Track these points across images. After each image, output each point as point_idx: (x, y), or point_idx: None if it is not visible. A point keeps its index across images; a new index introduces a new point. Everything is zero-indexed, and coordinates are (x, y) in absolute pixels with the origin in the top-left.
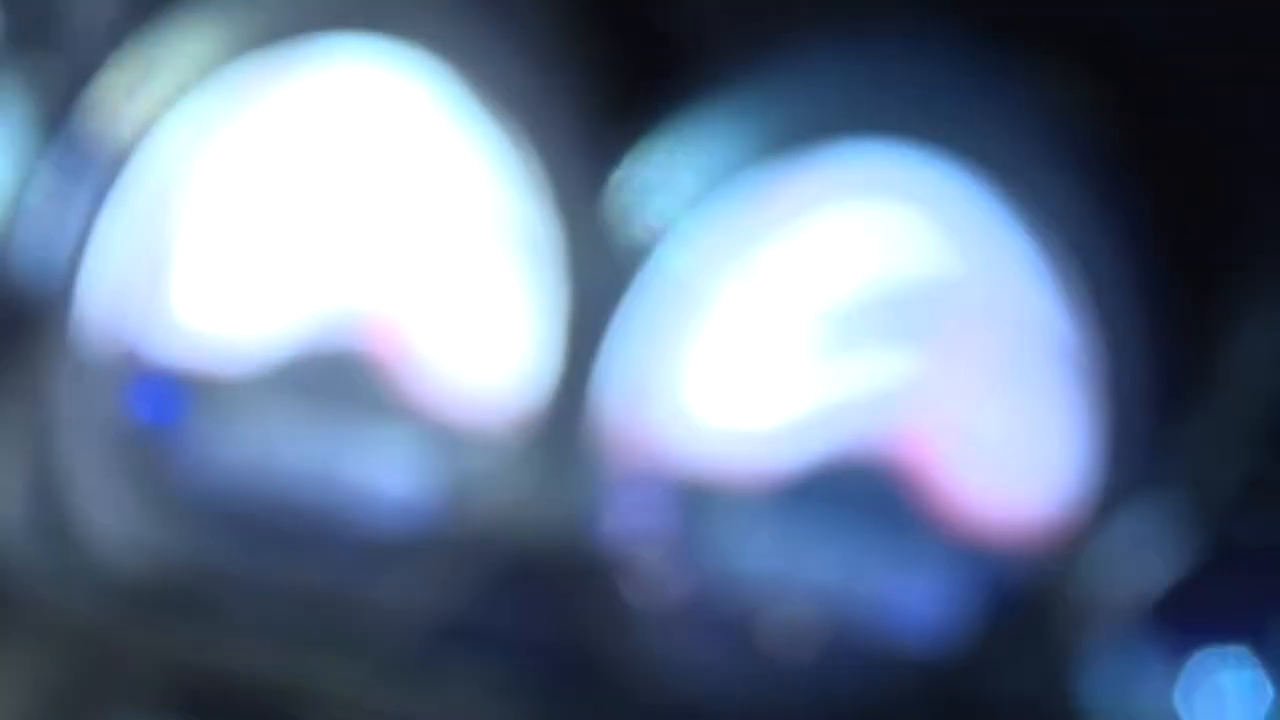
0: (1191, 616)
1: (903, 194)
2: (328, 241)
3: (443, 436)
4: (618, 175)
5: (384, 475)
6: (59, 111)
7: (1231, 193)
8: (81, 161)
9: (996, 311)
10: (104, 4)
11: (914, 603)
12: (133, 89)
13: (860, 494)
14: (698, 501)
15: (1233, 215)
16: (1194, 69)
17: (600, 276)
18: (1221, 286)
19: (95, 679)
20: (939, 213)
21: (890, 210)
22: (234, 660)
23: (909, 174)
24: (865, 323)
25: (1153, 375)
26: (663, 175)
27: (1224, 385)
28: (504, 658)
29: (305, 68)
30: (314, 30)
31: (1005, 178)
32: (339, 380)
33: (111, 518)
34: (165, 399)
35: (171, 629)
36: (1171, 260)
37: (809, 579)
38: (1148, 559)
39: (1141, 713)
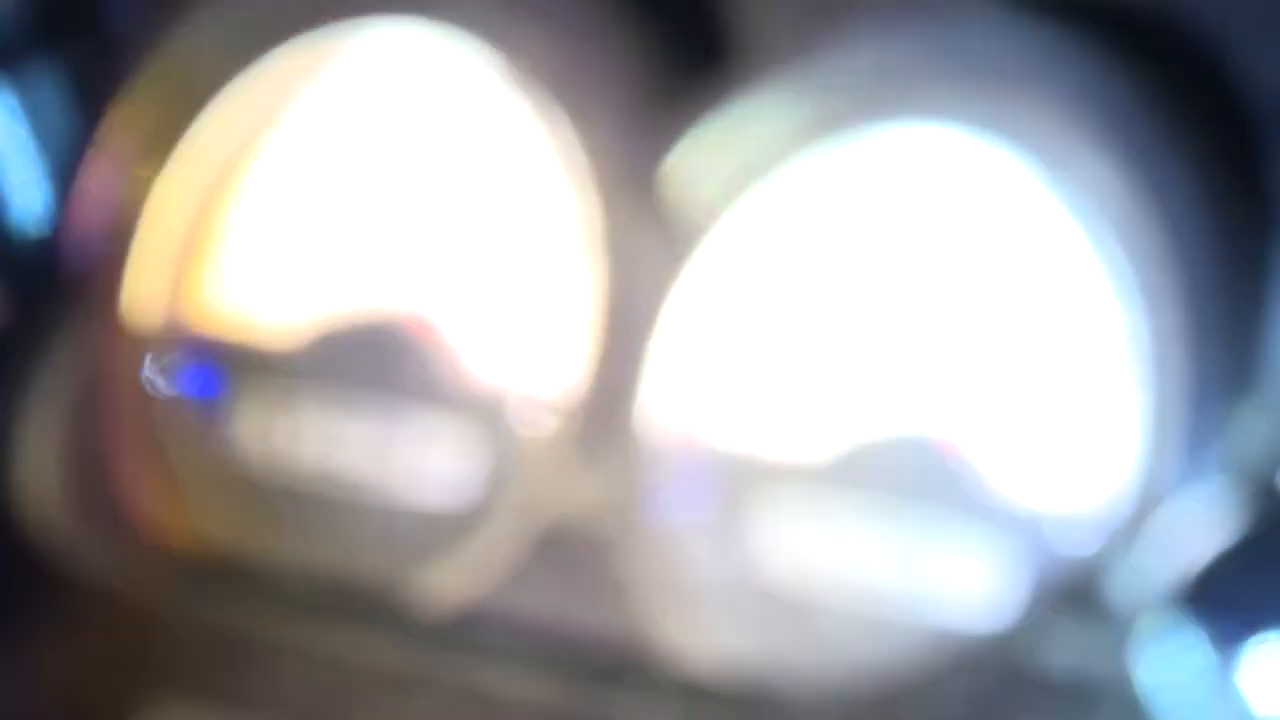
0: (1242, 598)
1: (950, 178)
2: (377, 225)
3: (487, 419)
4: (668, 162)
5: (428, 456)
6: (102, 92)
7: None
8: (132, 142)
9: (1044, 295)
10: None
11: (964, 584)
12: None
13: (909, 477)
14: (744, 485)
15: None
16: (1245, 50)
17: (650, 262)
18: (1269, 271)
19: (139, 656)
20: (987, 196)
21: (938, 193)
22: (277, 637)
23: (956, 157)
24: (911, 306)
25: (1199, 358)
26: (712, 161)
27: (1271, 366)
28: (544, 640)
29: (351, 51)
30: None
31: (1051, 161)
32: (384, 360)
33: (156, 494)
34: (211, 375)
35: (215, 606)
36: (1218, 245)
37: (856, 561)
38: (1199, 539)
39: (1194, 692)
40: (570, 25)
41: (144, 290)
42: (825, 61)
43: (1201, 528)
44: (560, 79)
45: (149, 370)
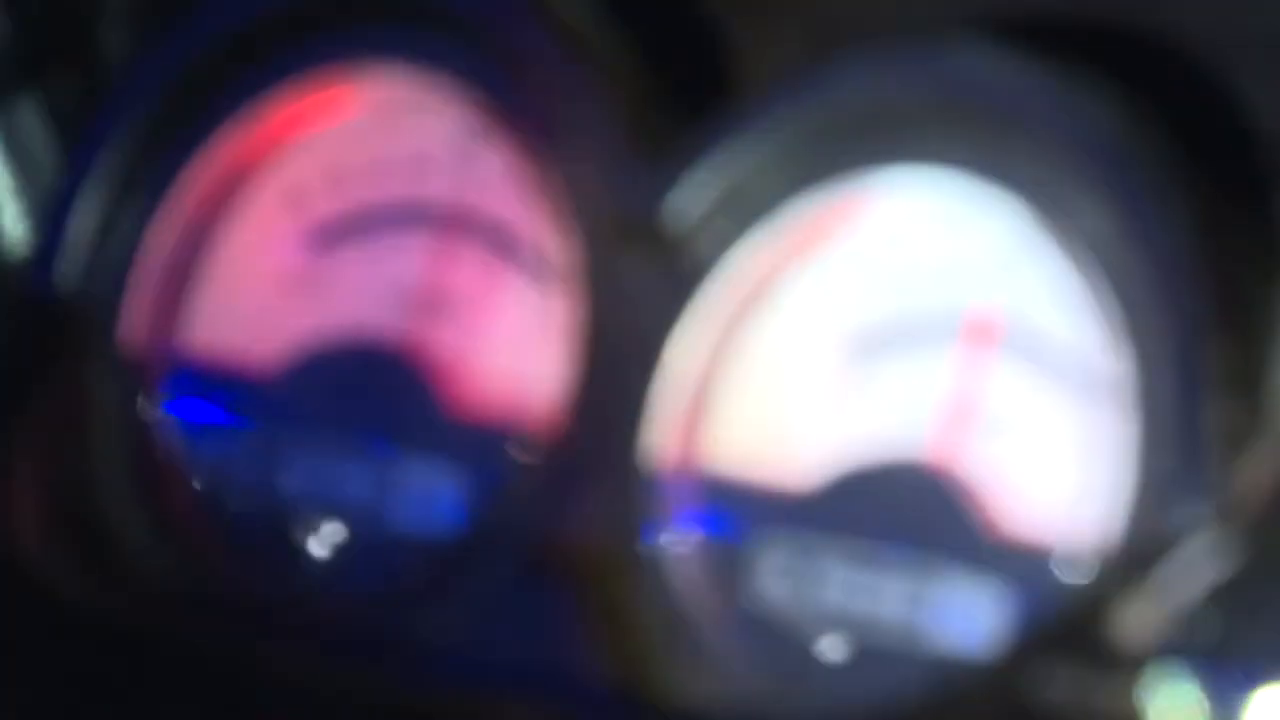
0: (1242, 641)
1: (943, 220)
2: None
3: (486, 445)
4: (669, 202)
5: (425, 480)
6: (89, 118)
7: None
8: (122, 168)
9: (1035, 331)
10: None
11: (961, 616)
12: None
13: (907, 508)
14: (742, 515)
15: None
16: (1238, 91)
17: (648, 295)
18: (1263, 306)
19: (127, 679)
20: (980, 237)
21: (932, 235)
22: (266, 662)
23: (949, 200)
24: (906, 341)
25: (1197, 396)
26: (712, 202)
27: (1265, 401)
28: (541, 665)
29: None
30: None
31: (1044, 204)
32: (380, 385)
33: (145, 519)
34: (202, 400)
35: (203, 630)
36: (1217, 284)
37: (853, 587)
38: (1197, 579)
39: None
40: (572, 66)
41: (136, 316)
42: (822, 102)
43: (1200, 568)
44: (564, 121)
45: (139, 395)
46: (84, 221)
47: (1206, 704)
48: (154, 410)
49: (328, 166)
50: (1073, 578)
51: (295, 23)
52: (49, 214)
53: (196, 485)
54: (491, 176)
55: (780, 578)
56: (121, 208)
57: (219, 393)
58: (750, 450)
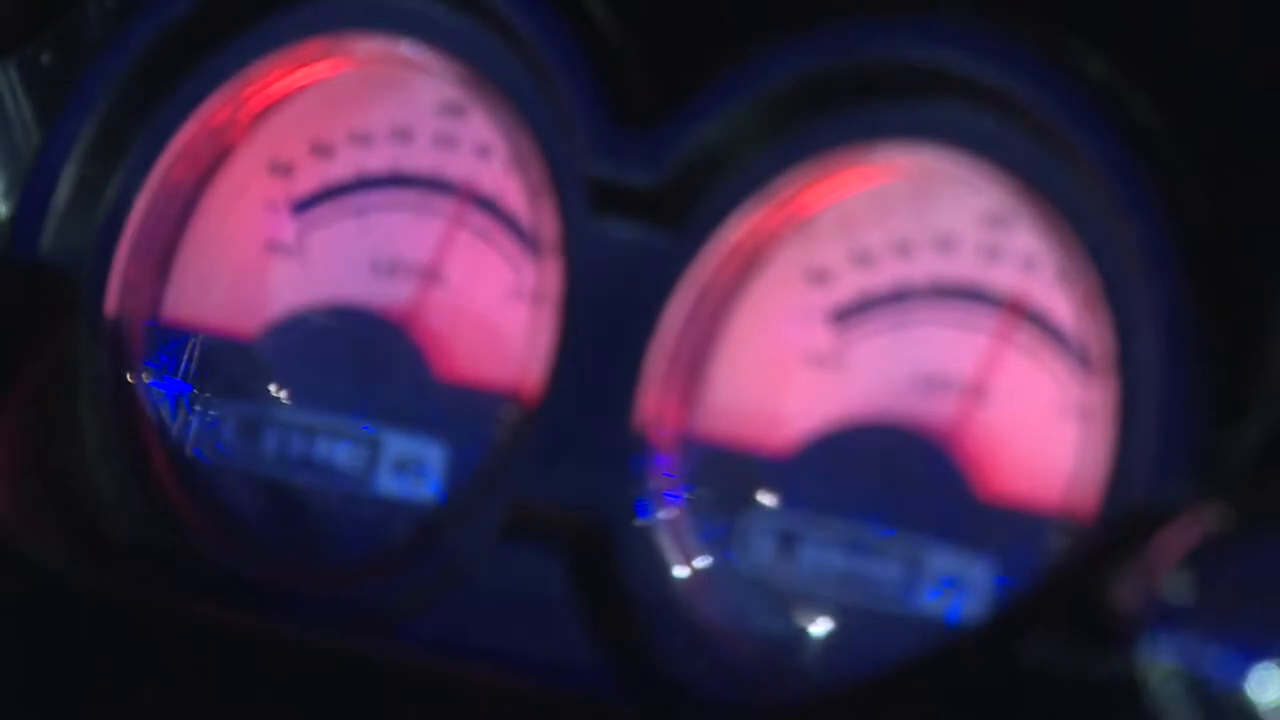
0: (1229, 598)
1: (927, 190)
2: (352, 220)
3: (470, 412)
4: (654, 170)
5: (410, 447)
6: (71, 86)
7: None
8: (104, 136)
9: (1021, 300)
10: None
11: (951, 579)
12: None
13: (895, 473)
14: (729, 479)
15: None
16: (1230, 74)
17: (637, 264)
18: (1251, 278)
19: (106, 648)
20: (963, 208)
21: (917, 204)
22: (245, 630)
23: (939, 174)
24: (893, 310)
25: (1176, 367)
26: (697, 171)
27: (1253, 371)
28: (522, 634)
29: None
30: None
31: (1026, 174)
32: (363, 353)
33: (127, 487)
34: (185, 368)
35: (183, 599)
36: (1196, 255)
37: (844, 555)
38: (1186, 540)
39: (1197, 688)
40: (545, 36)
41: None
42: (807, 70)
43: (1189, 536)
44: (548, 93)
45: (122, 364)
46: (66, 190)
47: (1194, 669)
48: (137, 378)
49: (311, 135)
50: (1063, 545)
51: None
52: (31, 182)
53: (179, 453)
54: (475, 145)
55: (770, 545)
56: (104, 176)
57: (202, 360)
58: (738, 418)
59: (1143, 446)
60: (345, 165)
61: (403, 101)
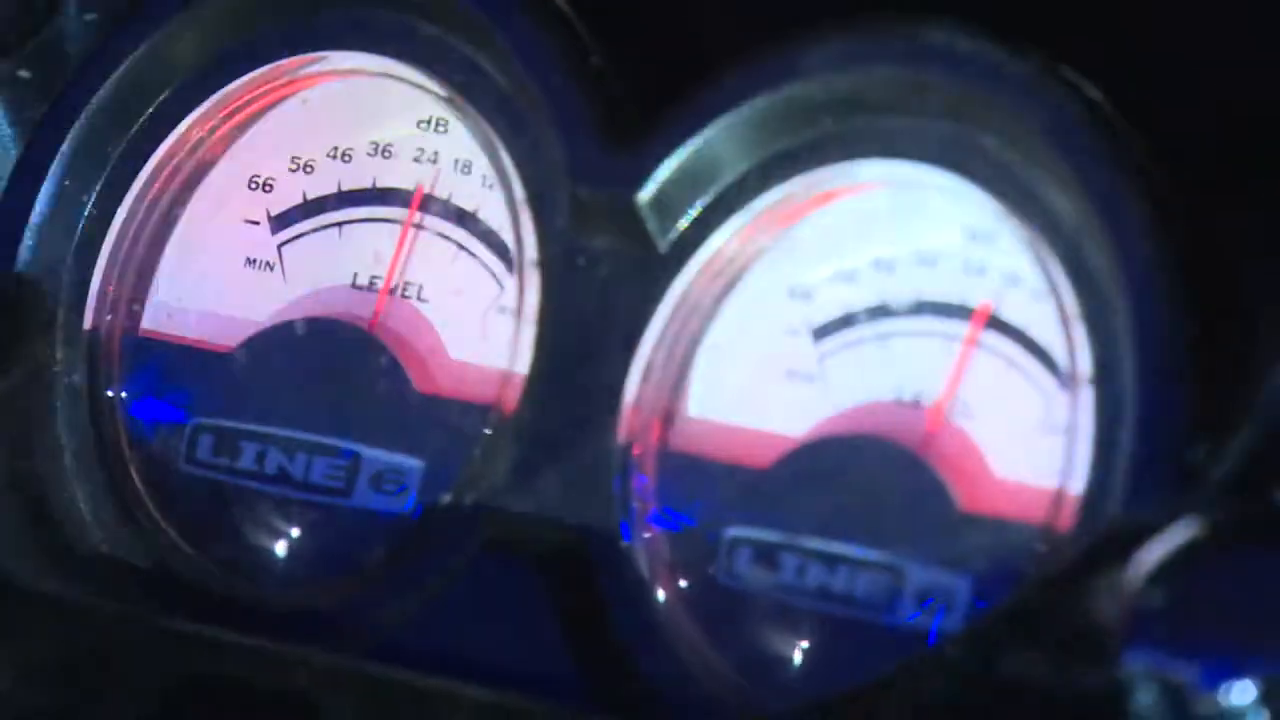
0: (1210, 610)
1: (914, 208)
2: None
3: (451, 427)
4: (637, 185)
5: (389, 461)
6: (52, 99)
7: (1246, 216)
8: (85, 149)
9: (1003, 315)
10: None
11: (931, 590)
12: None
13: (876, 485)
14: (711, 492)
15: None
16: (1212, 92)
17: (620, 279)
18: (1234, 291)
19: (82, 665)
20: (946, 223)
21: (899, 219)
22: (224, 646)
23: (921, 190)
24: (875, 324)
25: (1158, 381)
26: (681, 186)
27: (1235, 385)
28: (501, 649)
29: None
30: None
31: (1013, 196)
32: (344, 367)
33: (103, 500)
34: (164, 381)
35: (162, 615)
36: (1179, 270)
37: (824, 567)
38: (1167, 551)
39: (1175, 700)
40: (544, 55)
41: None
42: (791, 85)
43: (1170, 548)
44: (531, 108)
45: (99, 377)
46: (45, 203)
47: (1173, 682)
48: (114, 392)
49: (291, 151)
50: (1043, 558)
51: (259, 5)
52: (9, 195)
53: (156, 467)
54: (457, 160)
55: (750, 559)
56: (84, 190)
57: (181, 373)
58: (719, 433)
59: (1122, 460)
60: (325, 181)
61: (384, 117)
